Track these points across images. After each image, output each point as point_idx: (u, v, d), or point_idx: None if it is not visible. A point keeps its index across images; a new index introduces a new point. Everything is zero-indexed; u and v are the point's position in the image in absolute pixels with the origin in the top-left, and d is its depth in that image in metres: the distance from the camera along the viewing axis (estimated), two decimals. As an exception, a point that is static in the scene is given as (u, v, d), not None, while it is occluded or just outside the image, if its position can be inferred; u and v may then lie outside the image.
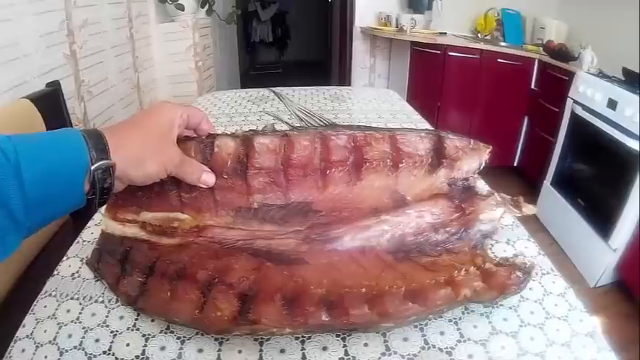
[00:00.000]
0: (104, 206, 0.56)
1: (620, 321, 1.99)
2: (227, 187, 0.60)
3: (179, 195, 0.60)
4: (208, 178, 0.58)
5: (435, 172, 0.62)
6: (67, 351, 0.52)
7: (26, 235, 0.42)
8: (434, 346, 0.52)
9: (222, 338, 0.53)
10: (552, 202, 2.61)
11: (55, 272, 0.66)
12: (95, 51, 2.31)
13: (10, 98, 1.55)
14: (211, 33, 3.61)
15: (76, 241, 0.73)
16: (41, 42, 1.83)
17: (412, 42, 3.56)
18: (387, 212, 0.60)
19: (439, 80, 3.42)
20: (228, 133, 0.62)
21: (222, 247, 0.58)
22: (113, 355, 0.52)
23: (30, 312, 0.58)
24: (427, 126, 1.24)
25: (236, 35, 5.26)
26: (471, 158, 0.63)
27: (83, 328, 0.55)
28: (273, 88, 1.60)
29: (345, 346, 0.52)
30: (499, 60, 3.15)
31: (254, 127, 0.65)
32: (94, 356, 0.51)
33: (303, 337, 0.53)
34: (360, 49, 4.23)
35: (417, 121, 1.30)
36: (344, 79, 4.62)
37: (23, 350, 0.53)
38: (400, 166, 0.62)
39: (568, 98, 2.48)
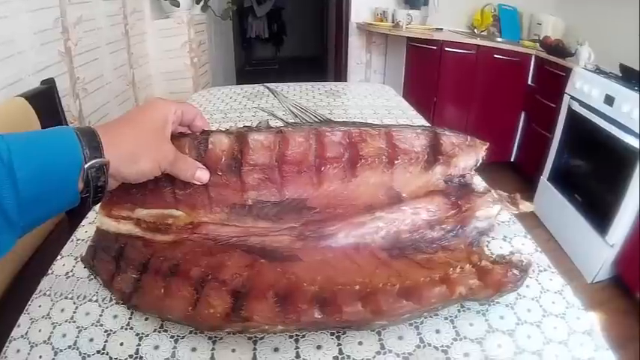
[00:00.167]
0: (98, 204, 0.56)
1: (617, 317, 1.99)
2: (221, 183, 0.59)
3: (173, 192, 0.59)
4: (202, 175, 0.58)
5: (431, 168, 0.62)
6: (61, 351, 0.52)
7: (20, 234, 0.42)
8: (429, 345, 0.51)
9: (215, 337, 0.53)
10: (549, 198, 2.61)
11: (50, 271, 0.65)
12: (90, 48, 2.29)
13: (5, 96, 1.54)
14: (207, 29, 3.59)
15: (70, 239, 0.73)
16: (36, 39, 1.82)
17: (408, 38, 3.56)
18: (382, 209, 0.59)
19: (435, 76, 3.42)
20: (223, 129, 0.62)
21: (217, 243, 0.58)
22: (107, 354, 0.51)
23: (25, 312, 0.58)
24: (423, 122, 1.24)
25: (232, 31, 5.25)
26: (468, 155, 0.62)
27: (77, 327, 0.55)
28: (268, 85, 1.60)
29: (339, 344, 0.52)
30: (496, 56, 3.14)
31: (248, 124, 0.64)
32: (88, 356, 0.51)
33: (297, 335, 0.53)
34: (355, 44, 4.23)
35: (412, 116, 1.30)
36: (340, 75, 4.62)
37: (18, 350, 0.52)
38: (396, 162, 0.61)
39: (565, 94, 2.48)
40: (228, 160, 0.59)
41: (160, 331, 0.54)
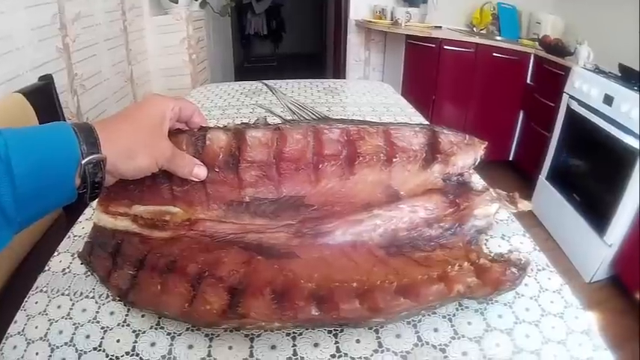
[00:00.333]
0: (95, 200, 0.56)
1: (615, 317, 2.00)
2: (219, 180, 0.59)
3: (171, 188, 0.59)
4: (200, 172, 0.58)
5: (429, 167, 0.62)
6: (57, 347, 0.52)
7: (17, 230, 0.42)
8: (427, 343, 0.51)
9: (212, 334, 0.53)
10: (548, 197, 2.62)
11: (46, 268, 0.65)
12: (88, 44, 2.29)
13: (3, 92, 1.54)
14: (205, 26, 3.59)
15: (67, 236, 0.72)
16: (34, 35, 1.82)
17: (407, 35, 3.56)
18: (380, 207, 0.59)
19: (434, 74, 3.41)
20: (221, 126, 0.61)
21: (214, 240, 0.57)
22: (104, 351, 0.51)
23: (21, 308, 0.58)
24: (421, 119, 1.23)
25: (230, 28, 5.23)
26: (466, 154, 0.62)
27: (74, 324, 0.55)
28: (266, 81, 1.59)
29: (336, 342, 0.51)
30: (494, 54, 3.14)
31: (246, 120, 0.64)
32: (85, 352, 0.51)
33: (294, 333, 0.53)
34: (354, 42, 4.22)
35: (411, 114, 1.30)
36: (338, 72, 4.61)
37: (15, 347, 0.52)
38: (394, 160, 0.61)
39: (564, 93, 2.49)
40: (226, 157, 0.59)
41: (156, 328, 0.54)
